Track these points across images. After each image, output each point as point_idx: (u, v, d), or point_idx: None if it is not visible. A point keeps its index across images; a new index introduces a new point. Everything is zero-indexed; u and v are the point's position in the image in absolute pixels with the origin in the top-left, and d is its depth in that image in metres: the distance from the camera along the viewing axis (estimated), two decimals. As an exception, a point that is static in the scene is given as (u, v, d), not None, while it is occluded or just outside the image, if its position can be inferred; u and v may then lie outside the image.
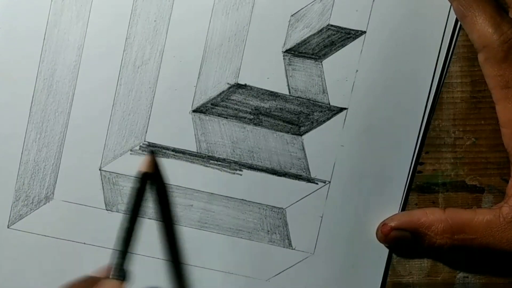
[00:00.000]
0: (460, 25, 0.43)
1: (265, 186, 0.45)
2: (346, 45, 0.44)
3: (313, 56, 0.44)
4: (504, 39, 0.40)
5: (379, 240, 0.44)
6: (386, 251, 0.45)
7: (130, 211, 0.41)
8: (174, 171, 0.45)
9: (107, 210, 0.45)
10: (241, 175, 0.45)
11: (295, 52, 0.44)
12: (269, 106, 0.44)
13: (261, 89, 0.44)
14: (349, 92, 0.44)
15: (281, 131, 0.45)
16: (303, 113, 0.44)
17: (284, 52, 0.44)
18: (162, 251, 0.45)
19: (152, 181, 0.44)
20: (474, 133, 0.45)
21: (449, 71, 0.44)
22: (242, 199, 0.45)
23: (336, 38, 0.44)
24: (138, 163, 0.44)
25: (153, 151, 0.45)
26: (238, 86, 0.44)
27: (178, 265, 0.45)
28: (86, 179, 0.45)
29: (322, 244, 0.45)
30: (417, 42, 0.44)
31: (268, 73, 0.44)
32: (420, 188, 0.45)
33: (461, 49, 0.44)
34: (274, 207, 0.45)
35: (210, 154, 0.45)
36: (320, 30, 0.44)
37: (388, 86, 0.44)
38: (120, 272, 0.39)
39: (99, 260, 0.45)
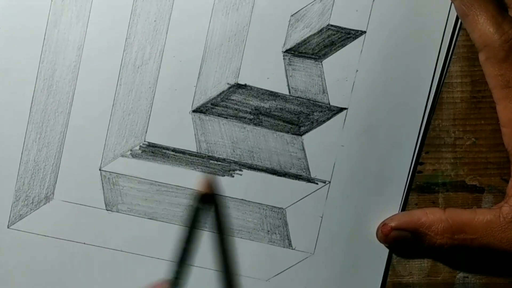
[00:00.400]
0: (460, 25, 0.43)
1: (265, 186, 0.45)
2: (346, 45, 0.44)
3: (313, 56, 0.44)
4: (505, 39, 0.40)
5: (379, 240, 0.44)
6: (386, 251, 0.45)
7: (188, 229, 0.41)
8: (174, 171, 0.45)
9: (107, 210, 0.45)
10: (241, 175, 0.45)
11: (295, 52, 0.44)
12: (269, 106, 0.44)
13: (261, 89, 0.44)
14: (349, 92, 0.44)
15: (281, 131, 0.45)
16: (303, 113, 0.44)
17: (284, 52, 0.44)
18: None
19: (209, 201, 0.44)
20: (474, 133, 0.45)
21: (449, 71, 0.44)
22: (242, 199, 0.45)
23: (336, 38, 0.44)
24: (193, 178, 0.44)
25: (211, 172, 0.45)
26: (238, 86, 0.44)
27: (201, 270, 0.45)
28: (86, 179, 0.45)
29: (322, 244, 0.45)
30: (417, 42, 0.44)
31: (268, 73, 0.44)
32: (420, 188, 0.45)
33: (461, 49, 0.44)
34: (274, 207, 0.45)
35: (210, 154, 0.45)
36: (320, 30, 0.44)
37: (388, 86, 0.44)
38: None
39: (99, 260, 0.45)
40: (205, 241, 0.45)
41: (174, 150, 0.45)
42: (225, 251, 0.45)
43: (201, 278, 0.45)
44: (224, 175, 0.45)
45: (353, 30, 0.44)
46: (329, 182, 0.45)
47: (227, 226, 0.45)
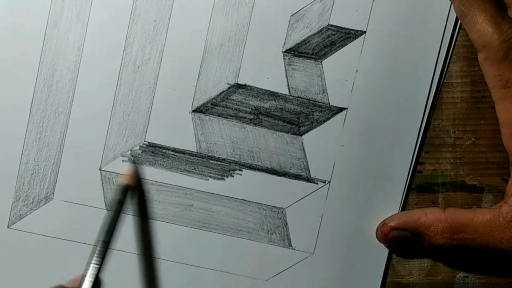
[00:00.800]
0: (460, 25, 0.43)
1: (265, 186, 0.45)
2: (346, 45, 0.44)
3: (313, 56, 0.44)
4: (504, 39, 0.40)
5: (379, 240, 0.44)
6: (386, 251, 0.45)
7: (109, 223, 0.41)
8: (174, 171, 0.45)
9: (107, 210, 0.45)
10: (241, 175, 0.45)
11: (295, 52, 0.44)
12: (269, 106, 0.44)
13: (261, 89, 0.44)
14: (349, 92, 0.44)
15: (281, 131, 0.45)
16: (303, 113, 0.44)
17: (284, 52, 0.44)
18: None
19: (133, 192, 0.44)
20: (474, 133, 0.45)
21: (449, 71, 0.44)
22: (242, 199, 0.45)
23: (336, 38, 0.44)
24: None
25: (135, 161, 0.45)
26: (238, 86, 0.44)
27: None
28: (86, 179, 0.45)
29: (322, 244, 0.45)
30: (417, 42, 0.44)
31: (268, 73, 0.44)
32: (420, 188, 0.45)
33: (461, 49, 0.44)
34: (274, 207, 0.45)
35: (210, 154, 0.45)
36: (320, 30, 0.44)
37: (388, 86, 0.44)
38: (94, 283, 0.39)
39: (99, 260, 0.45)
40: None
41: (174, 150, 0.45)
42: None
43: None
44: (224, 175, 0.45)
45: (353, 30, 0.44)
46: (329, 182, 0.45)
47: (149, 211, 0.45)
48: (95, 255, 0.39)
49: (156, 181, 0.45)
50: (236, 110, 0.44)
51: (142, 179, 0.45)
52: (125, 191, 0.43)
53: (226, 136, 0.45)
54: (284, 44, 0.44)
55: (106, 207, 0.45)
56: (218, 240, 0.45)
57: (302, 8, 0.44)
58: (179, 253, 0.45)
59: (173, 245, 0.45)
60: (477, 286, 0.46)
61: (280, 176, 0.45)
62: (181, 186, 0.45)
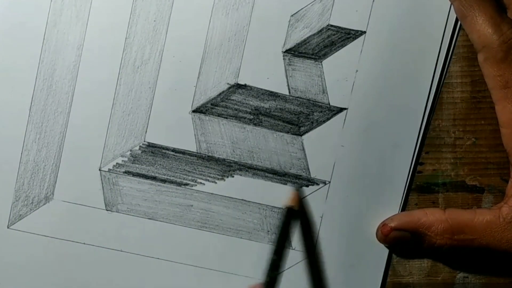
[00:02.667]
0: (460, 25, 0.43)
1: (265, 186, 0.45)
2: (346, 45, 0.44)
3: (313, 56, 0.44)
4: (503, 40, 0.40)
5: (379, 241, 0.44)
6: (386, 251, 0.45)
7: (277, 243, 0.41)
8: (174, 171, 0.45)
9: (107, 210, 0.45)
10: (241, 175, 0.45)
11: (295, 52, 0.44)
12: (269, 106, 0.44)
13: (261, 89, 0.44)
14: (349, 92, 0.44)
15: (281, 131, 0.45)
16: (303, 113, 0.44)
17: (284, 52, 0.44)
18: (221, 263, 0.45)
19: (297, 216, 0.44)
20: (474, 133, 0.45)
21: (449, 71, 0.44)
22: (242, 199, 0.45)
23: (336, 38, 0.44)
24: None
25: (300, 187, 0.45)
26: (238, 86, 0.44)
27: (201, 270, 0.45)
28: (86, 179, 0.45)
29: (322, 244, 0.45)
30: (417, 42, 0.44)
31: (268, 73, 0.44)
32: (420, 188, 0.45)
33: (461, 49, 0.44)
34: (274, 207, 0.45)
35: (210, 154, 0.45)
36: (320, 30, 0.44)
37: (388, 86, 0.44)
38: None
39: (99, 260, 0.45)
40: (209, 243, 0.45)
41: (174, 150, 0.45)
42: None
43: (204, 278, 0.45)
44: (224, 175, 0.45)
45: (353, 30, 0.44)
46: (329, 182, 0.45)
47: (315, 245, 0.45)
48: (267, 274, 0.40)
49: (156, 181, 0.45)
50: (236, 110, 0.44)
51: (307, 205, 0.45)
52: (289, 213, 0.43)
53: (226, 136, 0.45)
54: (284, 44, 0.44)
55: (105, 207, 0.45)
56: (218, 240, 0.45)
57: (302, 8, 0.44)
58: (179, 253, 0.45)
59: (173, 245, 0.45)
60: (477, 286, 0.46)
61: (280, 176, 0.45)
62: (181, 187, 0.45)
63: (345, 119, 0.44)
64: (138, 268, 0.45)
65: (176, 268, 0.45)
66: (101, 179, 0.45)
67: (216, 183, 0.45)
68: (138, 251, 0.45)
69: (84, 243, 0.45)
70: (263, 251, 0.45)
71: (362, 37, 0.44)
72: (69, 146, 0.45)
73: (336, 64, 0.44)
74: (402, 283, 0.46)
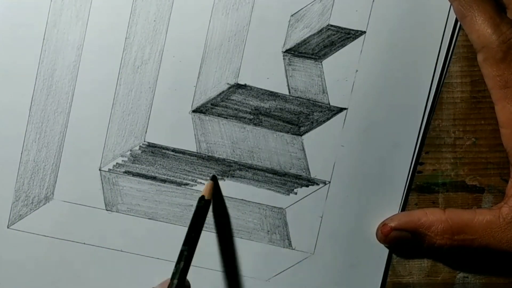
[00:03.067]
0: (460, 25, 0.43)
1: (265, 186, 0.45)
2: (346, 45, 0.44)
3: (313, 56, 0.44)
4: (503, 40, 0.40)
5: (379, 241, 0.44)
6: (386, 251, 0.45)
7: (191, 231, 0.41)
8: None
9: (107, 210, 0.45)
10: (241, 175, 0.45)
11: (295, 52, 0.44)
12: (269, 106, 0.44)
13: (261, 89, 0.44)
14: (349, 92, 0.44)
15: (281, 131, 0.45)
16: (303, 113, 0.44)
17: (284, 52, 0.44)
18: (221, 263, 0.45)
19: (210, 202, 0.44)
20: (474, 133, 0.45)
21: (449, 71, 0.44)
22: (242, 199, 0.45)
23: (336, 38, 0.44)
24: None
25: (215, 176, 0.45)
26: (238, 86, 0.44)
27: (201, 270, 0.45)
28: (86, 179, 0.45)
29: (322, 244, 0.45)
30: (417, 42, 0.44)
31: (268, 73, 0.44)
32: (420, 188, 0.45)
33: (461, 49, 0.44)
34: (274, 207, 0.45)
35: (210, 154, 0.45)
36: (320, 30, 0.44)
37: (388, 86, 0.44)
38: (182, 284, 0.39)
39: (99, 260, 0.45)
40: (209, 243, 0.45)
41: (174, 150, 0.45)
42: (224, 250, 0.45)
43: (204, 278, 0.45)
44: (224, 175, 0.45)
45: (353, 30, 0.44)
46: (329, 182, 0.45)
47: (227, 226, 0.45)
48: (182, 259, 0.39)
49: (156, 181, 0.45)
50: (236, 110, 0.44)
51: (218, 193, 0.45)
52: (204, 202, 0.43)
53: (226, 136, 0.45)
54: (284, 44, 0.44)
55: (105, 207, 0.45)
56: (218, 240, 0.45)
57: (302, 8, 0.44)
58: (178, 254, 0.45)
59: (173, 245, 0.45)
60: (477, 286, 0.46)
61: (280, 176, 0.45)
62: (181, 186, 0.45)
63: (345, 119, 0.44)
64: (138, 268, 0.45)
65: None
66: (101, 179, 0.45)
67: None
68: (138, 251, 0.45)
69: (84, 243, 0.45)
70: (263, 251, 0.45)
71: (362, 37, 0.44)
72: (69, 146, 0.45)
73: (336, 64, 0.44)
74: (402, 283, 0.46)
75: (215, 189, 0.45)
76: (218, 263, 0.46)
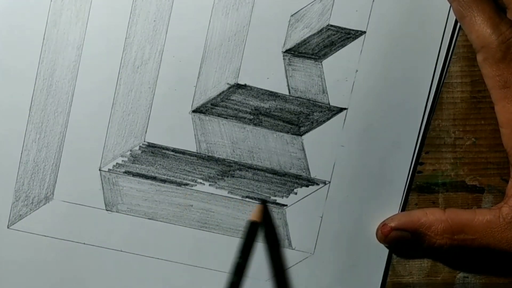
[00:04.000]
0: (460, 25, 0.43)
1: (265, 186, 0.45)
2: (346, 45, 0.44)
3: (313, 56, 0.44)
4: (502, 40, 0.40)
5: (379, 241, 0.44)
6: (386, 251, 0.45)
7: (241, 256, 0.41)
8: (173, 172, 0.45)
9: (107, 210, 0.45)
10: (241, 175, 0.45)
11: (295, 52, 0.44)
12: (269, 106, 0.44)
13: (261, 89, 0.44)
14: (349, 92, 0.44)
15: (281, 131, 0.45)
16: (303, 113, 0.44)
17: (284, 52, 0.44)
18: (221, 263, 0.45)
19: (261, 228, 0.44)
20: (474, 133, 0.45)
21: (449, 71, 0.44)
22: (242, 199, 0.45)
23: (336, 38, 0.44)
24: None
25: (265, 200, 0.45)
26: (238, 86, 0.44)
27: (201, 270, 0.45)
28: (86, 179, 0.45)
29: (322, 244, 0.45)
30: (417, 42, 0.44)
31: (268, 73, 0.44)
32: (420, 188, 0.45)
33: (461, 49, 0.44)
34: (274, 207, 0.45)
35: (210, 154, 0.45)
36: (320, 30, 0.44)
37: (388, 86, 0.44)
38: None
39: (99, 260, 0.45)
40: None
41: (174, 150, 0.45)
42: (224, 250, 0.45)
43: (204, 278, 0.45)
44: (224, 175, 0.45)
45: (353, 30, 0.44)
46: (329, 182, 0.45)
47: (281, 257, 0.44)
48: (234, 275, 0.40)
49: (156, 181, 0.45)
50: (236, 110, 0.44)
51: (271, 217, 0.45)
52: (254, 226, 0.43)
53: (226, 136, 0.45)
54: (284, 44, 0.44)
55: (105, 207, 0.45)
56: (218, 240, 0.45)
57: (302, 8, 0.44)
58: (179, 253, 0.45)
59: (173, 245, 0.45)
60: (477, 286, 0.46)
61: (280, 176, 0.45)
62: (181, 186, 0.45)
63: (345, 119, 0.44)
64: (138, 268, 0.45)
65: (176, 268, 0.45)
66: (101, 179, 0.45)
67: (216, 183, 0.45)
68: (138, 251, 0.45)
69: (84, 243, 0.45)
70: (263, 251, 0.45)
71: (362, 37, 0.44)
72: (69, 146, 0.45)
73: (336, 64, 0.44)
74: (402, 283, 0.46)
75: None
76: (218, 263, 0.46)
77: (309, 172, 0.45)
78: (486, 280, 0.46)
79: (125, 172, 0.45)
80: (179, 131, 0.45)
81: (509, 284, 0.45)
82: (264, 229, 0.43)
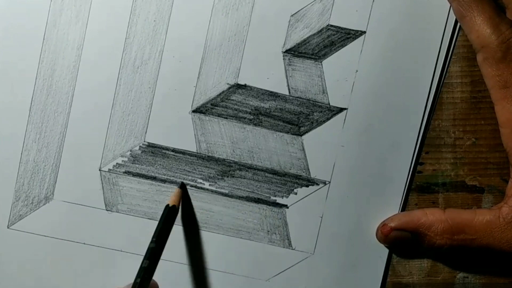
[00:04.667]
0: (460, 25, 0.43)
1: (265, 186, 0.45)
2: (346, 45, 0.44)
3: (313, 56, 0.44)
4: (502, 40, 0.40)
5: (379, 241, 0.44)
6: (386, 251, 0.45)
7: (157, 237, 0.41)
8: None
9: (107, 210, 0.45)
10: (241, 175, 0.45)
11: (295, 52, 0.44)
12: (269, 106, 0.44)
13: (261, 89, 0.44)
14: (349, 92, 0.44)
15: (281, 131, 0.45)
16: (303, 113, 0.44)
17: (284, 52, 0.44)
18: (222, 264, 0.45)
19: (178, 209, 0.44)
20: (474, 133, 0.45)
21: (449, 71, 0.44)
22: (242, 199, 0.45)
23: (336, 38, 0.44)
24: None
25: (183, 183, 0.45)
26: (238, 86, 0.44)
27: (201, 270, 0.45)
28: (86, 179, 0.45)
29: (322, 244, 0.45)
30: (417, 42, 0.44)
31: (268, 73, 0.44)
32: (420, 188, 0.45)
33: (461, 49, 0.44)
34: (274, 207, 0.45)
35: (210, 154, 0.45)
36: (320, 30, 0.44)
37: (388, 86, 0.44)
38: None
39: (99, 260, 0.45)
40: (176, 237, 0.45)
41: (174, 150, 0.45)
42: (225, 251, 0.45)
43: (171, 271, 0.45)
44: (224, 175, 0.45)
45: (353, 30, 0.44)
46: (329, 182, 0.45)
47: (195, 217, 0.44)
48: (146, 259, 0.39)
49: (156, 181, 0.45)
50: (236, 110, 0.44)
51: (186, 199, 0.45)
52: (172, 209, 0.43)
53: (226, 136, 0.45)
54: (284, 44, 0.44)
55: (105, 207, 0.45)
56: (218, 240, 0.45)
57: (302, 8, 0.44)
58: (178, 253, 0.45)
59: (173, 245, 0.45)
60: (477, 286, 0.46)
61: (280, 176, 0.45)
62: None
63: (345, 119, 0.44)
64: (138, 268, 0.45)
65: (175, 268, 0.45)
66: (101, 179, 0.45)
67: (216, 183, 0.45)
68: (138, 251, 0.45)
69: (84, 243, 0.45)
70: (263, 251, 0.45)
71: (362, 37, 0.44)
72: (69, 146, 0.45)
73: (336, 64, 0.44)
74: (402, 283, 0.46)
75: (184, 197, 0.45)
76: (218, 263, 0.46)
77: (309, 172, 0.45)
78: (486, 280, 0.46)
79: (125, 172, 0.45)
80: (179, 131, 0.45)
81: (509, 284, 0.45)
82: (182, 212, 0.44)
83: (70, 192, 0.45)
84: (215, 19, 0.44)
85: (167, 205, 0.43)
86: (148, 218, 0.45)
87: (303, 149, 0.45)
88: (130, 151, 0.45)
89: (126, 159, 0.45)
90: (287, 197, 0.45)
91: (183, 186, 0.45)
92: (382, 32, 0.44)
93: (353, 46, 0.44)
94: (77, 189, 0.45)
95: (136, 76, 0.44)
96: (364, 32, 0.44)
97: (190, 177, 0.45)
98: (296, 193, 0.45)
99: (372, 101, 0.44)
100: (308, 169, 0.45)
